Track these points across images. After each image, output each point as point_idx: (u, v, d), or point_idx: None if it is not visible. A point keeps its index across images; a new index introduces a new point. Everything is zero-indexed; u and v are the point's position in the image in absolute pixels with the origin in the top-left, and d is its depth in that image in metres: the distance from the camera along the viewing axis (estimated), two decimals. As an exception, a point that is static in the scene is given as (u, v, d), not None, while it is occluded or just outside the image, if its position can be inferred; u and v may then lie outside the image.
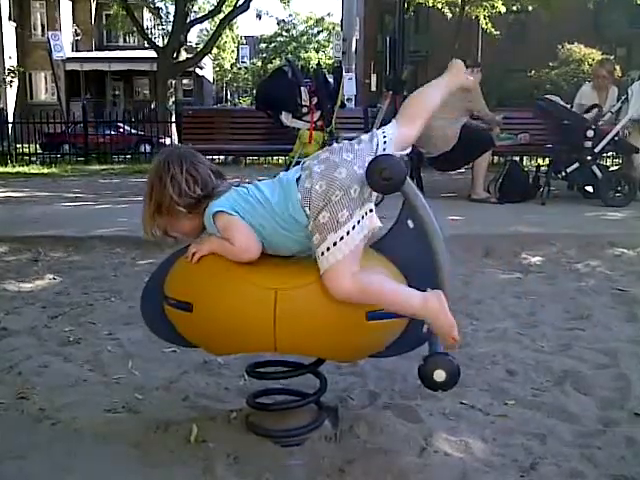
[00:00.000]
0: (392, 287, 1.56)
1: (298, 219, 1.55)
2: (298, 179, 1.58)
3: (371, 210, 1.56)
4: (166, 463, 1.60)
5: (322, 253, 1.51)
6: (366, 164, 1.53)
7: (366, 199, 1.54)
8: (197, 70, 31.69)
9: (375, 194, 1.56)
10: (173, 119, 14.82)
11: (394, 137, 1.63)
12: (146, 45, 21.74)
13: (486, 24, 21.63)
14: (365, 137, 1.65)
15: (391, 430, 1.73)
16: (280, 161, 10.22)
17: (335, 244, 1.50)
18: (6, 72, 21.12)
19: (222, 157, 10.79)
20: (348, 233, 1.51)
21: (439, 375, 1.56)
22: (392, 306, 1.54)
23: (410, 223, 1.67)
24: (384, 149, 1.60)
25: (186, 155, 1.65)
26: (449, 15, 21.17)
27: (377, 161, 1.53)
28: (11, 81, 21.69)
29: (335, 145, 1.65)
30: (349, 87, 13.68)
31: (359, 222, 1.52)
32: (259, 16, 40.21)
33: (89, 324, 2.76)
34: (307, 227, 1.54)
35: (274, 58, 44.86)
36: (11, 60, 27.49)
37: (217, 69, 45.77)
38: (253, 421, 1.75)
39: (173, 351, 2.38)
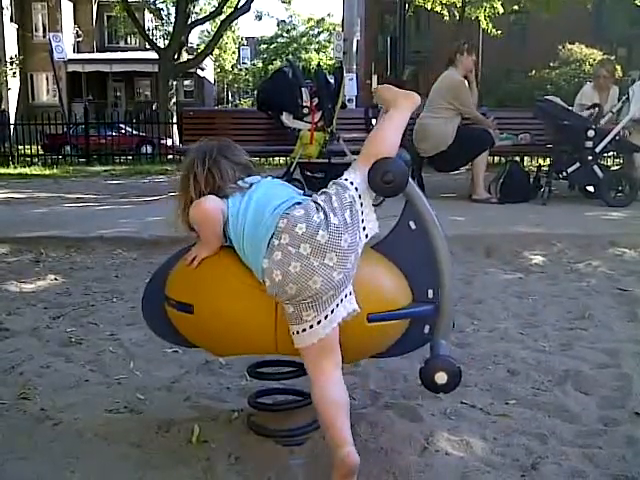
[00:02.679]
0: (334, 415, 1.46)
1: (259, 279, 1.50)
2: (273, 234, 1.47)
3: (346, 295, 1.48)
4: (168, 463, 1.60)
5: (291, 329, 1.50)
6: (348, 264, 1.45)
7: (339, 293, 1.47)
8: (198, 71, 31.74)
9: (351, 280, 1.49)
10: (174, 120, 14.85)
11: (364, 190, 1.53)
12: (147, 46, 21.79)
13: (487, 24, 21.64)
14: (348, 211, 1.49)
15: (392, 430, 1.73)
16: (281, 162, 10.23)
17: (298, 332, 1.48)
18: (7, 65, 21.12)
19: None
20: (311, 327, 1.47)
21: (440, 377, 1.56)
22: (320, 421, 1.50)
23: (412, 224, 1.67)
24: (362, 219, 1.50)
25: (212, 151, 1.66)
26: (447, 18, 21.20)
27: (379, 165, 1.52)
28: (14, 73, 21.68)
29: (319, 227, 1.45)
30: (350, 88, 13.66)
31: (326, 317, 1.46)
32: (259, 17, 40.27)
33: (91, 325, 2.76)
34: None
35: (275, 59, 44.90)
36: (10, 59, 27.52)
37: (218, 70, 45.82)
38: (254, 421, 1.75)
39: (175, 351, 2.38)
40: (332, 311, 1.47)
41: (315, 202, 1.51)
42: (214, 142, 1.71)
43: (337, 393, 1.49)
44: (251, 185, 1.62)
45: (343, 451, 1.41)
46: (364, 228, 1.51)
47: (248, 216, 1.54)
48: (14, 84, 22.71)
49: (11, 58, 22.57)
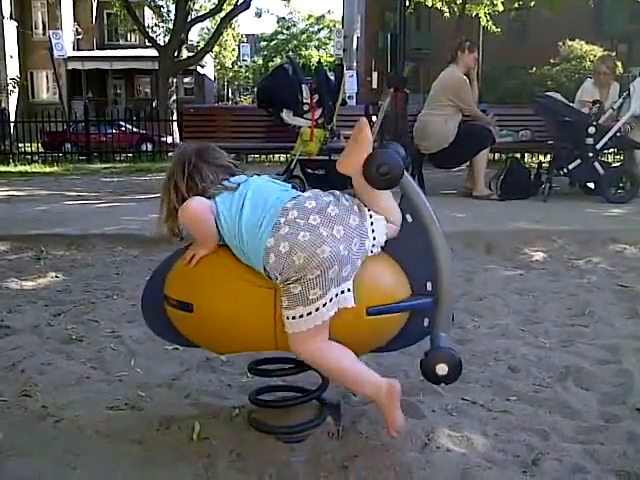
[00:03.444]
0: (348, 368, 1.52)
1: (259, 268, 1.51)
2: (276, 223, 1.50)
3: (349, 290, 1.49)
4: (169, 460, 1.60)
5: (287, 317, 1.49)
6: (353, 247, 1.48)
7: (345, 277, 1.48)
8: (198, 68, 31.73)
9: (354, 273, 1.51)
10: (174, 117, 14.84)
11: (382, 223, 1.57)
12: (147, 44, 21.79)
13: (487, 21, 21.61)
14: (357, 213, 1.54)
15: (393, 426, 1.73)
16: (282, 159, 10.23)
17: (302, 316, 1.47)
18: (8, 81, 21.26)
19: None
20: (317, 309, 1.47)
21: (441, 369, 1.56)
22: (344, 384, 1.53)
23: (409, 217, 1.67)
24: (374, 238, 1.54)
25: (190, 157, 1.65)
26: (447, 15, 21.18)
27: (374, 156, 1.52)
28: (12, 91, 21.85)
29: (329, 203, 1.52)
30: (350, 84, 13.68)
31: (331, 300, 1.47)
32: (259, 14, 40.24)
33: (91, 322, 2.76)
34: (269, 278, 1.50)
35: (275, 56, 44.93)
36: (12, 59, 27.52)
37: (218, 67, 45.82)
38: (255, 418, 1.75)
39: (175, 349, 2.38)
40: (336, 295, 1.48)
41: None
42: (192, 147, 1.70)
43: (338, 348, 1.53)
44: (239, 185, 1.63)
45: (383, 385, 1.51)
46: (374, 238, 1.54)
47: (246, 206, 1.54)
48: (13, 92, 22.82)
49: (12, 79, 22.76)
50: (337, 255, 1.45)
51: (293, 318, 1.48)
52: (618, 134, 5.99)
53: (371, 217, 1.55)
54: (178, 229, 1.68)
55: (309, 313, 1.47)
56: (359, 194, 1.57)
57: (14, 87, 21.77)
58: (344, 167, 1.59)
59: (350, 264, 1.49)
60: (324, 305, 1.47)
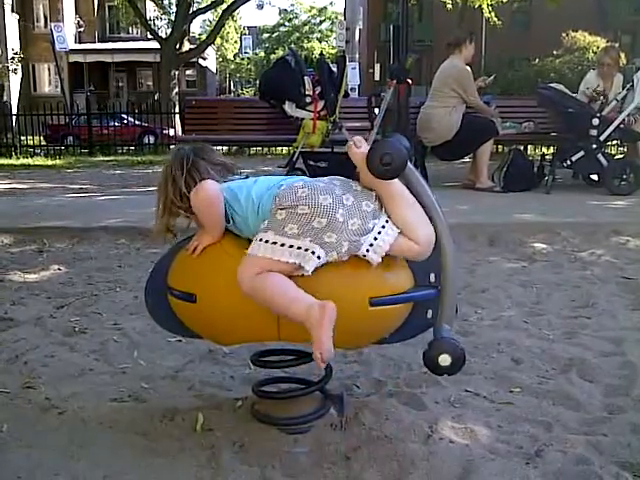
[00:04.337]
0: (283, 292, 1.47)
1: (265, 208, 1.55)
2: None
3: (318, 257, 1.48)
4: (172, 452, 1.60)
5: (255, 237, 1.52)
6: (349, 222, 1.49)
7: (323, 241, 1.48)
8: (200, 61, 31.66)
9: (334, 251, 1.50)
10: (176, 110, 14.81)
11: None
12: (149, 36, 21.73)
13: (489, 12, 21.49)
14: (372, 207, 1.54)
15: (396, 418, 1.73)
16: (284, 151, 10.21)
17: (267, 242, 1.49)
18: (9, 61, 21.08)
19: (225, 148, 10.79)
20: (282, 245, 1.47)
21: (444, 360, 1.56)
22: (280, 310, 1.49)
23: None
24: (374, 238, 1.53)
25: (188, 155, 1.67)
26: (450, 6, 21.06)
27: (377, 146, 1.51)
28: (15, 69, 21.65)
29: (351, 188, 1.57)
30: (353, 76, 13.62)
31: (299, 248, 1.47)
32: (261, 6, 40.05)
33: (94, 314, 2.77)
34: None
35: (277, 48, 44.81)
36: (13, 52, 27.46)
37: (220, 60, 45.71)
38: (259, 409, 1.75)
39: (178, 340, 2.38)
40: (305, 249, 1.47)
41: None
42: (188, 147, 1.72)
43: (276, 276, 1.49)
44: (247, 177, 1.69)
45: (316, 304, 1.44)
46: (374, 238, 1.52)
47: (257, 180, 1.64)
48: (17, 71, 22.67)
49: (15, 53, 22.52)
50: (332, 212, 1.48)
51: (260, 240, 1.50)
52: (622, 126, 5.96)
53: (387, 222, 1.54)
54: (173, 226, 1.71)
55: (274, 242, 1.48)
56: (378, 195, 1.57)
57: (16, 67, 21.58)
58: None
59: (336, 235, 1.48)
60: (290, 246, 1.48)
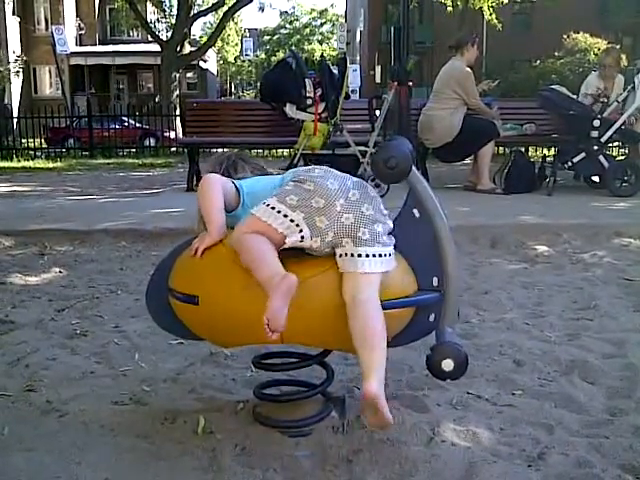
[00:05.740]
0: (258, 255, 1.51)
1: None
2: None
3: (302, 237, 1.54)
4: (173, 454, 1.60)
5: (263, 202, 1.58)
6: (344, 217, 1.54)
7: (312, 222, 1.53)
8: (201, 63, 31.63)
9: (319, 236, 1.54)
10: (177, 112, 14.82)
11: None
12: (150, 39, 21.70)
13: (490, 15, 21.49)
14: (379, 213, 1.60)
15: (398, 420, 1.72)
16: (285, 153, 10.21)
17: (268, 205, 1.55)
18: (12, 64, 21.10)
19: (227, 150, 10.79)
20: (279, 212, 1.53)
21: (447, 364, 1.56)
22: (252, 270, 1.51)
23: (416, 212, 1.66)
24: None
25: (231, 155, 1.84)
26: (450, 8, 21.07)
27: (382, 150, 1.51)
28: (17, 71, 21.67)
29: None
30: (353, 78, 13.63)
31: (292, 220, 1.53)
32: (262, 8, 40.17)
33: (95, 317, 2.77)
34: None
35: (278, 50, 44.84)
36: (15, 55, 27.49)
37: (221, 62, 45.76)
38: (260, 412, 1.75)
39: (180, 343, 2.38)
40: (297, 225, 1.53)
41: None
42: (229, 151, 1.85)
43: (260, 239, 1.53)
44: None
45: (281, 273, 1.46)
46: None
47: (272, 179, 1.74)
48: (19, 73, 22.68)
49: (17, 56, 22.53)
50: (333, 198, 1.55)
51: (264, 203, 1.57)
52: (623, 127, 5.96)
53: (389, 255, 1.58)
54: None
55: (273, 208, 1.54)
56: None
57: (18, 71, 21.59)
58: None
59: (327, 222, 1.53)
60: (284, 215, 1.53)
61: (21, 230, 4.39)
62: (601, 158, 5.93)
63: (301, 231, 1.53)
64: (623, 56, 6.91)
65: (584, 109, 6.07)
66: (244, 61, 47.47)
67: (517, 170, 6.12)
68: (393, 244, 1.60)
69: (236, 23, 41.20)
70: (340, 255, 1.56)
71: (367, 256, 1.54)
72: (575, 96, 6.43)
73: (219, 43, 36.00)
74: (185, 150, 7.83)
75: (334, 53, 36.54)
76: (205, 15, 23.45)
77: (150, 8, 28.88)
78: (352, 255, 1.54)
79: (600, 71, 6.67)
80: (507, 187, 6.06)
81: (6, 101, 17.51)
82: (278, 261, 1.51)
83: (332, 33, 43.99)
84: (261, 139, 7.08)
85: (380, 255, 1.55)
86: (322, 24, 47.21)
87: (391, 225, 1.63)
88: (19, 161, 11.67)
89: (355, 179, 1.64)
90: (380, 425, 1.49)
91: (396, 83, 6.18)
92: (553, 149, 7.46)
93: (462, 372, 1.58)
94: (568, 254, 3.88)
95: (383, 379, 1.48)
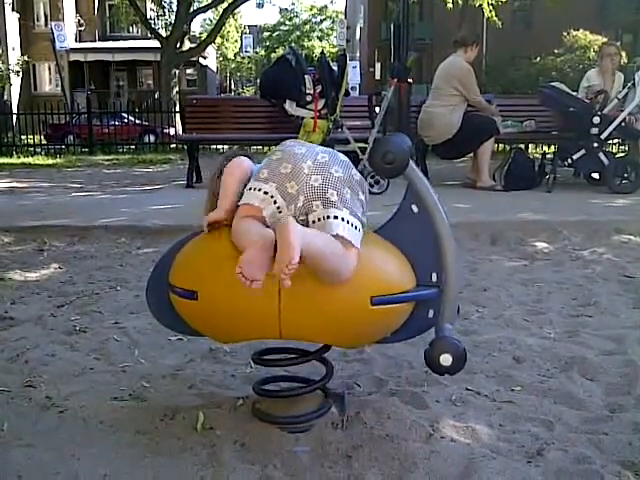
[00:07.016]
0: (243, 235, 1.49)
1: None
2: None
3: (278, 210, 1.52)
4: (173, 450, 1.60)
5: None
6: (312, 179, 1.52)
7: (285, 195, 1.51)
8: (201, 60, 31.62)
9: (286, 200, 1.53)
10: (177, 109, 14.81)
11: None
12: (149, 35, 21.67)
13: (490, 12, 21.46)
14: (357, 197, 1.57)
15: (398, 416, 1.72)
16: (284, 150, 10.18)
17: (249, 188, 1.56)
18: (13, 64, 21.12)
19: (226, 147, 10.78)
20: (254, 189, 1.53)
21: (445, 359, 1.55)
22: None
23: (414, 207, 1.66)
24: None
25: (237, 153, 1.78)
26: (450, 5, 21.03)
27: (380, 144, 1.51)
28: (18, 71, 21.69)
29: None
30: (353, 75, 13.62)
31: (265, 193, 1.52)
32: (261, 5, 39.99)
33: (95, 313, 2.77)
34: None
35: (277, 47, 44.81)
36: (14, 51, 27.44)
37: (220, 59, 45.70)
38: (259, 408, 1.75)
39: (179, 339, 2.38)
40: (266, 193, 1.51)
41: None
42: (231, 155, 1.80)
43: (253, 223, 1.52)
44: None
45: (268, 236, 1.42)
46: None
47: None
48: (19, 73, 22.69)
49: (18, 57, 22.56)
50: (300, 161, 1.54)
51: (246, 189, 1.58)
52: (623, 124, 5.96)
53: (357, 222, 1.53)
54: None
55: (250, 188, 1.55)
56: None
57: (19, 70, 21.59)
58: None
59: (297, 186, 1.51)
60: (258, 190, 1.53)
61: (20, 226, 4.38)
62: (601, 155, 5.93)
63: (275, 202, 1.51)
64: (623, 53, 6.90)
65: (584, 106, 6.06)
66: (244, 58, 47.39)
67: (517, 167, 6.12)
68: (363, 223, 1.55)
69: (236, 20, 41.17)
70: (313, 222, 1.51)
71: (336, 218, 1.48)
72: (575, 93, 6.43)
73: (219, 40, 35.99)
74: (185, 147, 7.83)
75: (334, 50, 36.48)
76: (205, 12, 23.42)
77: (150, 4, 28.86)
78: (322, 218, 1.49)
79: (601, 63, 6.66)
80: (507, 184, 6.06)
81: (5, 97, 17.49)
82: (263, 229, 1.47)
83: (332, 30, 43.92)
84: (261, 136, 7.08)
85: (349, 223, 1.49)
86: (322, 21, 47.16)
87: (363, 199, 1.57)
88: (19, 157, 11.67)
89: (325, 148, 1.64)
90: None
91: (396, 80, 6.17)
92: (553, 146, 7.47)
93: (460, 367, 1.57)
94: (568, 251, 3.89)
95: (307, 239, 1.37)
